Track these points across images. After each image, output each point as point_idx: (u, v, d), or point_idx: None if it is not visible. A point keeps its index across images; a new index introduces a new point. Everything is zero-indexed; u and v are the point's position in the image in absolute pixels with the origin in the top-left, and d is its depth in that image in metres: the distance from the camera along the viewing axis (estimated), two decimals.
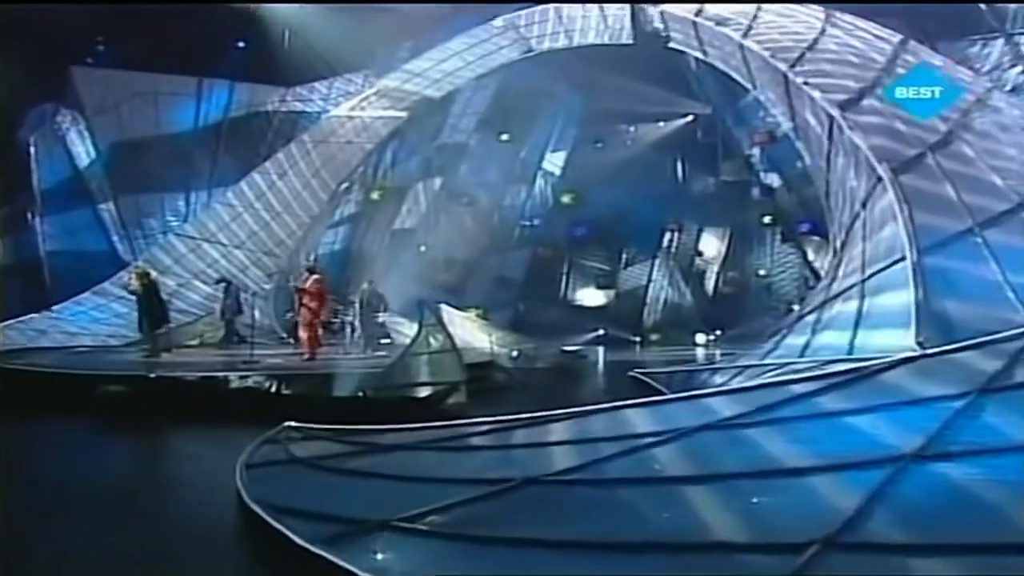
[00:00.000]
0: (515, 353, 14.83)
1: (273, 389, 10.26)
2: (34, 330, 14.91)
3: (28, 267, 17.91)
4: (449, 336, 10.59)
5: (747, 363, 9.21)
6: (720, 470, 4.44)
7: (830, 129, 9.68)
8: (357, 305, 14.87)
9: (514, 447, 5.38)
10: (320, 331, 13.01)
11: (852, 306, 7.99)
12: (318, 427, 6.90)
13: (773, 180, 20.61)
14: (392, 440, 6.29)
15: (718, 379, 9.32)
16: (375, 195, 20.96)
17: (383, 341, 14.86)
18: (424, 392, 9.96)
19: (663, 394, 10.27)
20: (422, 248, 21.25)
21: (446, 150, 21.72)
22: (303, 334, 12.59)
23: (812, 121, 10.51)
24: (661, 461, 4.66)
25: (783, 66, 10.52)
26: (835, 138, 9.73)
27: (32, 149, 17.82)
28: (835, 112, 9.07)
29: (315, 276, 12.64)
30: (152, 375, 10.29)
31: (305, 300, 12.46)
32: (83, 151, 18.39)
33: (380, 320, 14.64)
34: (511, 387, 12.47)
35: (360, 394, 9.77)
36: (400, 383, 10.00)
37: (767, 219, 21.27)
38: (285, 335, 16.87)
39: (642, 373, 12.38)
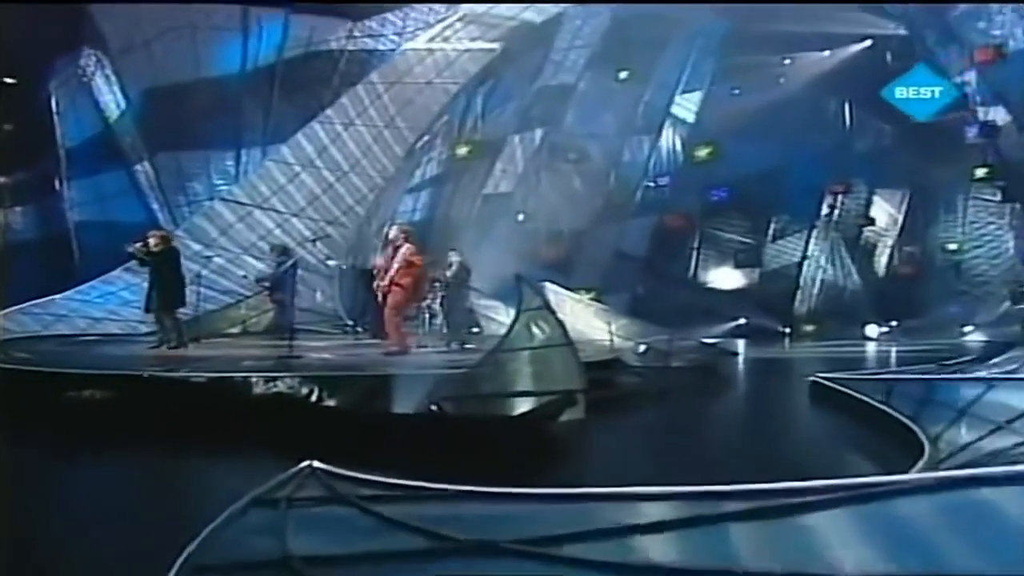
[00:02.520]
0: (642, 347, 12.60)
1: (312, 397, 7.77)
2: (52, 315, 13.87)
3: (55, 240, 16.87)
4: (560, 324, 7.94)
5: None
6: None
7: None
8: (442, 284, 12.87)
9: None
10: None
11: None
12: (354, 475, 4.27)
13: (996, 115, 17.11)
14: (467, 515, 3.62)
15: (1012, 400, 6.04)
16: (462, 151, 19.43)
17: (472, 331, 13.26)
18: (523, 405, 7.51)
19: (896, 419, 7.24)
20: (520, 216, 19.88)
21: (549, 93, 19.90)
22: (391, 323, 10.05)
23: None
24: None
25: None
26: None
27: (53, 100, 16.43)
28: None
29: (410, 245, 10.07)
30: (146, 375, 7.93)
31: (397, 277, 9.91)
32: (111, 100, 16.92)
33: (468, 304, 12.93)
34: (646, 396, 9.88)
35: (432, 407, 7.35)
36: (489, 392, 7.63)
37: (981, 171, 17.90)
38: (352, 322, 15.46)
39: (826, 378, 9.28)
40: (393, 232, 10.54)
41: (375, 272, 10.86)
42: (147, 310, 10.83)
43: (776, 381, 12.98)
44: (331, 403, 7.77)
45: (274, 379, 7.87)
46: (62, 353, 10.11)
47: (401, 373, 8.46)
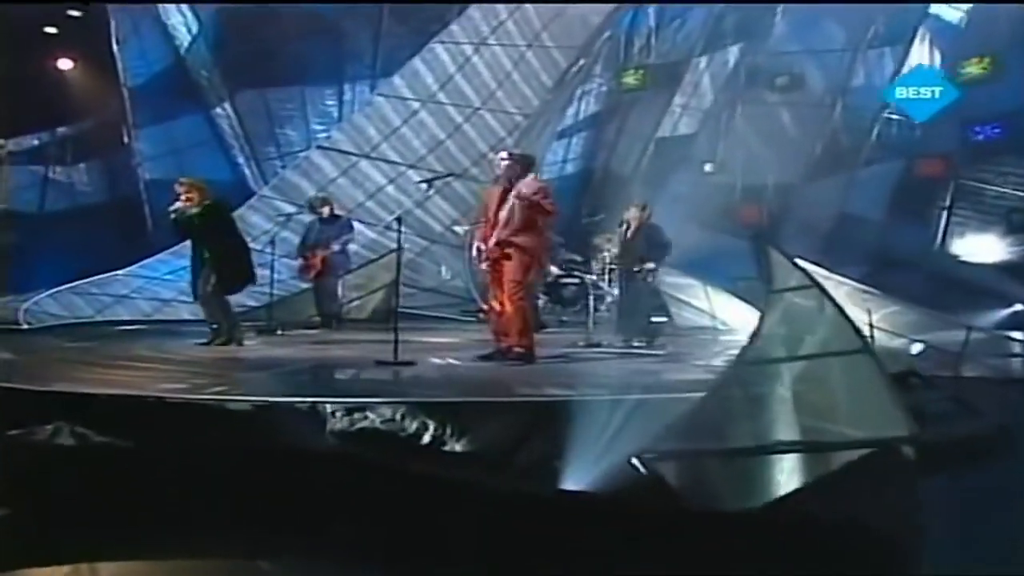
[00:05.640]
0: (917, 347, 10.24)
1: (424, 439, 5.14)
2: (110, 295, 13.28)
3: (126, 204, 16.38)
4: (846, 317, 5.31)
5: None
6: None
7: None
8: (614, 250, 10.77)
9: None
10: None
11: None
12: None
13: None
14: None
15: None
16: (630, 79, 18.24)
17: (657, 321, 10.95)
18: (795, 477, 4.83)
19: None
20: (707, 167, 18.54)
21: None
22: (509, 304, 7.18)
23: None
24: None
25: None
26: None
27: (112, 26, 15.24)
28: None
29: (535, 184, 7.15)
30: (154, 396, 5.47)
31: (516, 234, 7.02)
32: (180, 23, 15.98)
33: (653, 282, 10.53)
34: (983, 442, 6.61)
35: (638, 468, 4.70)
36: (740, 441, 4.89)
37: None
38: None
39: None
40: (499, 164, 7.35)
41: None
42: (197, 297, 8.93)
43: None
44: (456, 447, 5.09)
45: (360, 409, 5.20)
46: (67, 351, 8.05)
47: (571, 398, 5.61)
